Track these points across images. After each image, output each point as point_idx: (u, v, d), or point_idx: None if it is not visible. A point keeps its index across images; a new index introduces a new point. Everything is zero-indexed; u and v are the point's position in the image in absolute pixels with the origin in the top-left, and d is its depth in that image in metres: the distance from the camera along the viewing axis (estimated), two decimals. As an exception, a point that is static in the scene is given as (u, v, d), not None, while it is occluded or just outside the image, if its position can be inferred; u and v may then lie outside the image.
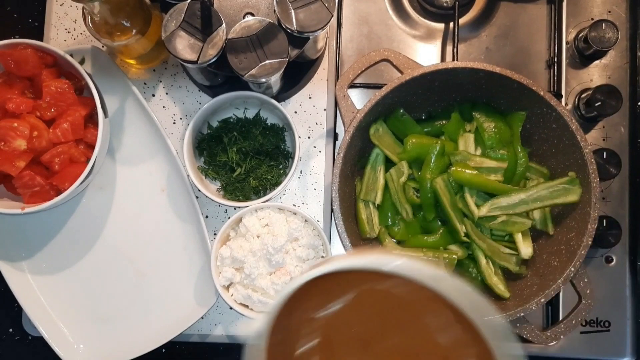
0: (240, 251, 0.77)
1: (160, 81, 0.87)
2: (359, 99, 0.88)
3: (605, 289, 0.85)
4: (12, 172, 0.73)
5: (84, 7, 0.73)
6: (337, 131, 0.87)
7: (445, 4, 0.89)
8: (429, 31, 0.91)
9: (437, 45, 0.91)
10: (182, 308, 0.82)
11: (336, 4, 0.71)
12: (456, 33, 0.86)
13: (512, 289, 0.75)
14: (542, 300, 0.69)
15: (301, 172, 0.86)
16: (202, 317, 0.81)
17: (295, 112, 0.86)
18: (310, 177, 0.85)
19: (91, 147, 0.76)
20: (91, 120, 0.79)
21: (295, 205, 0.85)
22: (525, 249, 0.76)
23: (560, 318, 0.82)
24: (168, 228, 0.84)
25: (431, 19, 0.91)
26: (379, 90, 0.73)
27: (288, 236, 0.76)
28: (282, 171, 0.83)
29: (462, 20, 0.90)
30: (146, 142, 0.84)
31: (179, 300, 0.83)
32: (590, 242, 0.70)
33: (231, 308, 0.77)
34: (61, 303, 0.83)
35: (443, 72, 0.73)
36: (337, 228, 0.72)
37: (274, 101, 0.79)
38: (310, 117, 0.86)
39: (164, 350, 0.84)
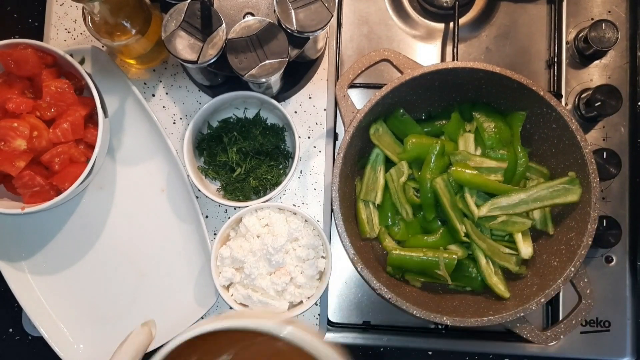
0: (240, 251, 0.77)
1: (160, 81, 0.87)
2: (359, 99, 0.88)
3: (605, 289, 0.85)
4: (12, 172, 0.73)
5: (84, 7, 0.73)
6: (337, 131, 0.87)
7: (445, 4, 0.89)
8: (429, 31, 0.91)
9: (437, 45, 0.91)
10: (182, 308, 0.82)
11: (336, 4, 0.71)
12: (456, 33, 0.86)
13: (512, 289, 0.75)
14: (542, 300, 0.69)
15: (301, 172, 0.86)
16: (202, 317, 0.81)
17: (295, 112, 0.86)
18: (310, 177, 0.85)
19: (91, 147, 0.76)
20: (91, 120, 0.79)
21: (295, 205, 0.85)
22: (525, 249, 0.76)
23: (560, 318, 0.82)
24: (168, 228, 0.84)
25: (431, 19, 0.91)
26: (379, 90, 0.73)
27: (288, 236, 0.76)
28: (282, 171, 0.83)
29: (462, 20, 0.90)
30: (146, 142, 0.84)
31: (179, 300, 0.83)
32: (590, 242, 0.70)
33: (231, 308, 0.77)
34: (61, 303, 0.83)
35: (443, 72, 0.73)
36: (337, 228, 0.72)
37: (274, 101, 0.79)
38: (310, 117, 0.86)
39: (164, 350, 0.84)
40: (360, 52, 0.89)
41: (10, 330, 0.88)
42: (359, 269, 0.70)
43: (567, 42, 0.89)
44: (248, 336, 0.55)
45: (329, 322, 0.84)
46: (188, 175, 0.81)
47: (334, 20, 0.74)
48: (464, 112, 0.81)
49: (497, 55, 0.90)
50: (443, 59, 0.90)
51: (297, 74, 0.84)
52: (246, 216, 0.78)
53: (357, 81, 0.80)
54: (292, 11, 0.69)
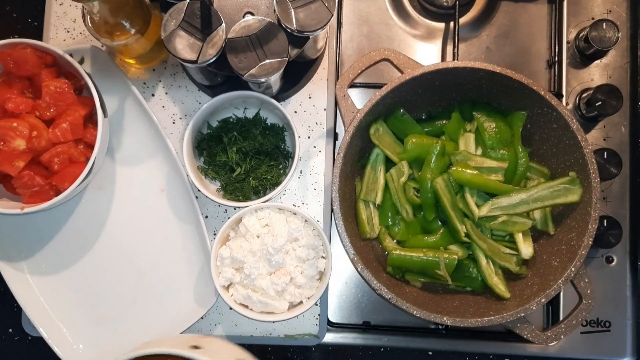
0: (240, 251, 0.76)
1: (160, 81, 0.87)
2: (359, 99, 0.88)
3: (606, 289, 0.85)
4: (11, 172, 0.72)
5: (83, 7, 0.73)
6: (337, 131, 0.87)
7: (445, 4, 0.88)
8: (429, 31, 0.91)
9: (437, 44, 0.91)
10: (182, 308, 0.82)
11: (336, 4, 0.71)
12: (456, 33, 0.86)
13: (513, 289, 0.75)
14: (543, 300, 0.69)
15: (301, 172, 0.85)
16: (202, 317, 0.81)
17: (295, 112, 0.86)
18: (310, 177, 0.85)
19: (91, 147, 0.76)
20: (91, 120, 0.79)
21: (295, 205, 0.85)
22: (526, 249, 0.76)
23: (561, 318, 0.82)
24: (168, 228, 0.84)
25: (431, 18, 0.91)
26: (379, 90, 0.73)
27: (288, 236, 0.76)
28: (282, 171, 0.83)
29: (462, 20, 0.89)
30: (146, 142, 0.84)
31: (179, 301, 0.83)
32: (590, 242, 0.70)
33: (231, 308, 0.77)
34: (61, 303, 0.83)
35: (443, 72, 0.73)
36: (337, 228, 0.72)
37: (274, 101, 0.79)
38: (310, 117, 0.86)
39: (163, 351, 0.84)
40: (360, 52, 0.89)
41: (10, 330, 0.88)
42: (359, 269, 0.70)
43: (567, 42, 0.89)
44: None
45: (329, 322, 0.84)
46: (188, 175, 0.81)
47: (334, 20, 0.74)
48: (464, 112, 0.80)
49: (497, 55, 0.90)
50: (443, 58, 0.90)
51: (297, 73, 0.84)
52: (246, 216, 0.78)
53: (357, 81, 0.80)
54: (292, 11, 0.69)
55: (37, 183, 0.74)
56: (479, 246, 0.76)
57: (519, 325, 0.71)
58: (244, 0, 0.73)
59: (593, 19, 0.89)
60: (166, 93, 0.87)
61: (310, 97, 0.86)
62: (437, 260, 0.75)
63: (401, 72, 0.74)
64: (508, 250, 0.77)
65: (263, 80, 0.70)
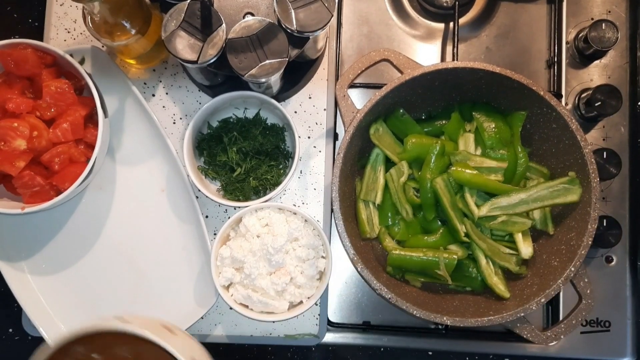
0: (240, 251, 0.76)
1: (160, 81, 0.87)
2: (359, 99, 0.88)
3: (606, 289, 0.85)
4: (12, 172, 0.73)
5: (83, 7, 0.73)
6: (337, 131, 0.87)
7: (445, 4, 0.89)
8: (429, 31, 0.91)
9: (437, 45, 0.91)
10: (182, 308, 0.82)
11: (336, 4, 0.71)
12: (456, 33, 0.86)
13: (513, 289, 0.75)
14: (543, 300, 0.69)
15: (301, 172, 0.86)
16: (202, 317, 0.81)
17: (295, 112, 0.86)
18: (310, 177, 0.85)
19: (91, 147, 0.76)
20: (91, 120, 0.79)
21: (295, 205, 0.85)
22: (526, 249, 0.76)
23: (561, 318, 0.82)
24: (168, 228, 0.84)
25: (431, 18, 0.91)
26: (379, 90, 0.73)
27: (288, 236, 0.76)
28: (282, 171, 0.83)
29: (462, 20, 0.90)
30: (146, 142, 0.84)
31: (179, 301, 0.83)
32: (590, 242, 0.70)
33: (231, 308, 0.77)
34: (61, 303, 0.83)
35: (443, 72, 0.73)
36: (337, 228, 0.72)
37: (274, 101, 0.79)
38: (310, 117, 0.86)
39: (164, 351, 0.84)
40: (360, 52, 0.89)
41: (10, 330, 0.88)
42: (359, 269, 0.70)
43: (567, 42, 0.89)
44: (119, 340, 0.61)
45: (329, 322, 0.84)
46: (188, 175, 0.81)
47: (334, 20, 0.74)
48: (464, 112, 0.80)
49: (497, 55, 0.90)
50: (443, 58, 0.90)
51: (297, 73, 0.84)
52: (246, 216, 0.78)
53: (357, 81, 0.80)
54: (292, 11, 0.69)
55: (37, 183, 0.74)
56: (478, 246, 0.76)
57: (518, 325, 0.71)
58: (244, 0, 0.73)
59: (592, 19, 0.89)
60: (166, 93, 0.87)
61: (310, 97, 0.87)
62: (437, 260, 0.75)
63: (401, 72, 0.74)
64: (508, 250, 0.77)
65: (263, 80, 0.70)
